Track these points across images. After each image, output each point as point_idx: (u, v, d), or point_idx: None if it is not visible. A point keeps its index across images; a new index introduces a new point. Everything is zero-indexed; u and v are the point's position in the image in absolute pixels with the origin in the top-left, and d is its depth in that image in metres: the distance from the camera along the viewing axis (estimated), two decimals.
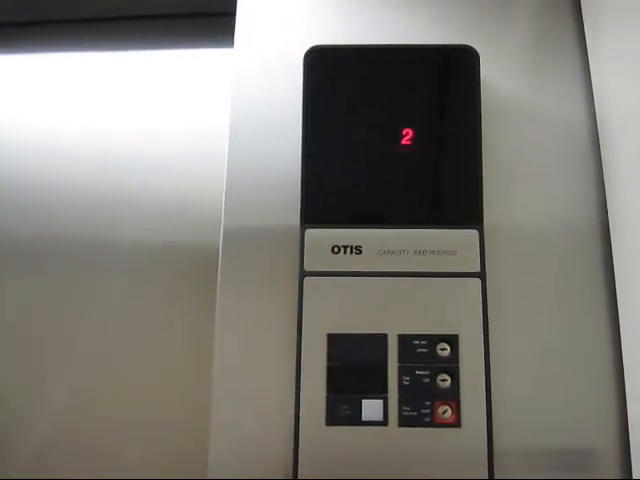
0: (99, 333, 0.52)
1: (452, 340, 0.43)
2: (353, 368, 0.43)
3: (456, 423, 0.42)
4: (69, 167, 0.56)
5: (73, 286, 0.53)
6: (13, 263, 0.54)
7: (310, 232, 0.44)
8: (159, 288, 0.53)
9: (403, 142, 0.45)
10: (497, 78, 0.49)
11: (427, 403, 0.42)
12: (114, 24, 0.59)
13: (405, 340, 0.43)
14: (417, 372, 0.42)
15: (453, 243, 0.44)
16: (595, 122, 0.49)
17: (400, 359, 0.43)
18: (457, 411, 0.42)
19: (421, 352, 0.43)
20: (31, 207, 0.55)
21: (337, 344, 0.43)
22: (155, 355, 0.52)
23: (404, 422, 0.42)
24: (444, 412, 0.42)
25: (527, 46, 0.51)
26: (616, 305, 0.45)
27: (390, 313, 0.43)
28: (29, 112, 0.58)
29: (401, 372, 0.42)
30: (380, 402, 0.42)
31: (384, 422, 0.42)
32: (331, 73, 0.47)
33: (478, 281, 0.44)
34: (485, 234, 0.44)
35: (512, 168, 0.48)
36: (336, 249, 0.44)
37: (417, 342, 0.43)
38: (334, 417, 0.42)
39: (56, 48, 0.60)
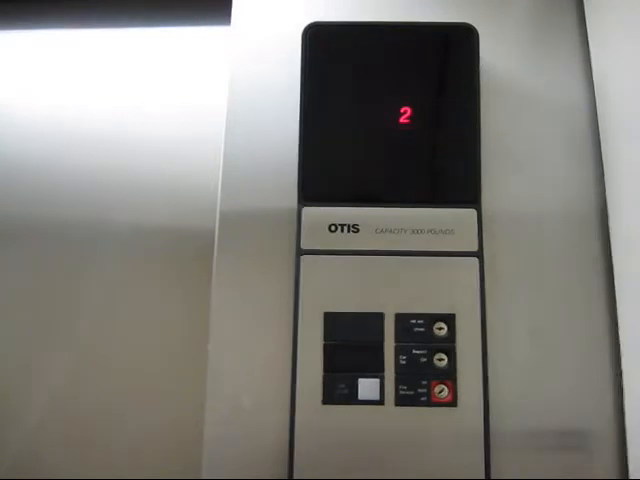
0: (94, 317, 0.52)
1: (449, 319, 0.43)
2: (350, 347, 0.42)
3: (452, 402, 0.42)
4: (62, 148, 0.55)
5: (66, 269, 0.53)
6: (6, 246, 0.54)
7: (307, 210, 0.44)
8: (155, 271, 0.53)
9: (401, 120, 0.45)
10: (496, 59, 0.49)
11: (424, 382, 0.42)
12: (108, 1, 0.58)
13: (402, 319, 0.43)
14: (414, 351, 0.42)
15: (451, 222, 0.44)
16: (595, 105, 0.48)
17: (397, 338, 0.42)
18: (454, 390, 0.42)
19: (418, 331, 0.42)
20: (24, 189, 0.55)
21: (334, 323, 0.43)
22: (152, 340, 0.51)
23: (400, 401, 0.42)
24: (441, 391, 0.42)
25: (527, 27, 0.50)
26: (613, 287, 0.45)
27: (387, 292, 0.43)
28: (19, 92, 0.57)
29: (398, 351, 0.42)
30: (377, 381, 0.42)
31: (380, 401, 0.42)
32: (329, 50, 0.46)
33: (476, 260, 0.43)
34: (483, 214, 0.44)
35: (511, 149, 0.48)
36: (333, 227, 0.44)
37: (414, 321, 0.43)
38: (330, 396, 0.42)
39: (48, 25, 0.59)
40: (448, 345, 0.42)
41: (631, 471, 0.42)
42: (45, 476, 0.49)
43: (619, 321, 0.44)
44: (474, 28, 0.46)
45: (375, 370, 0.42)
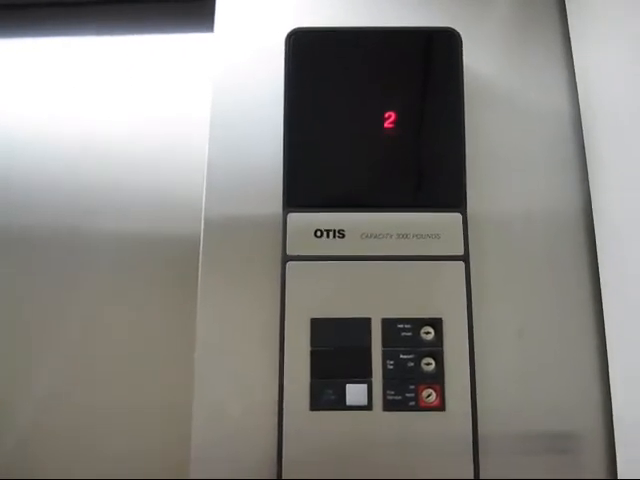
0: (81, 324, 0.51)
1: (436, 324, 0.43)
2: (337, 353, 0.42)
3: (440, 407, 0.42)
4: (49, 155, 0.55)
5: (55, 275, 0.52)
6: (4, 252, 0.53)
7: (292, 216, 0.44)
8: (141, 277, 0.52)
9: (386, 125, 0.45)
10: (479, 63, 0.49)
11: (411, 387, 0.42)
12: (91, 8, 0.57)
13: (389, 324, 0.43)
14: (401, 356, 0.42)
15: (436, 226, 0.44)
16: (579, 108, 0.49)
17: (384, 343, 0.42)
18: (441, 395, 0.42)
19: (405, 336, 0.42)
20: (11, 196, 0.54)
21: (320, 329, 0.43)
22: (137, 343, 0.51)
23: (388, 406, 0.42)
24: (428, 396, 0.42)
25: (509, 30, 0.51)
26: (599, 289, 0.45)
27: (374, 297, 0.43)
28: (5, 99, 0.57)
29: (385, 356, 0.42)
30: (364, 386, 0.42)
31: (368, 406, 0.42)
32: (313, 56, 0.46)
33: (462, 264, 0.43)
34: (469, 218, 0.44)
35: (495, 153, 0.48)
36: (319, 233, 0.44)
37: (401, 326, 0.43)
38: (318, 402, 0.42)
39: (28, 34, 0.58)
40: (435, 349, 0.42)
41: (620, 473, 0.42)
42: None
43: (605, 323, 0.44)
44: (457, 32, 0.46)
45: (363, 375, 0.42)
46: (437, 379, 0.42)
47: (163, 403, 0.49)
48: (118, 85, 0.56)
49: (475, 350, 0.43)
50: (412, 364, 0.42)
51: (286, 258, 0.43)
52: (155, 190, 0.54)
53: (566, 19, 0.50)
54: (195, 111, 0.53)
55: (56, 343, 0.51)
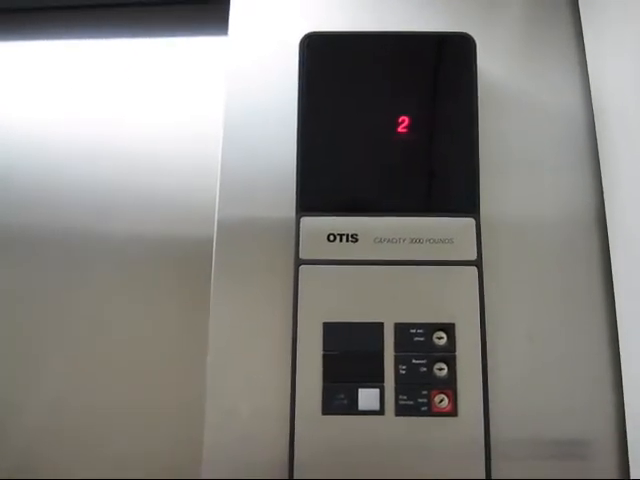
0: (89, 326, 0.51)
1: (449, 329, 0.43)
2: (349, 357, 0.42)
3: (453, 412, 0.42)
4: (61, 157, 0.55)
5: (66, 276, 0.53)
6: (7, 252, 0.54)
7: (306, 220, 0.44)
8: (152, 280, 0.53)
9: (399, 130, 0.45)
10: (491, 64, 0.49)
11: (424, 392, 0.42)
12: (104, 11, 0.58)
13: (401, 329, 0.43)
14: (414, 361, 0.42)
15: (450, 231, 0.44)
16: (592, 110, 0.48)
17: (396, 348, 0.42)
18: (454, 400, 0.42)
19: (418, 341, 0.42)
20: (24, 198, 0.54)
21: (333, 333, 0.43)
22: (147, 346, 0.51)
23: (401, 411, 0.42)
24: (441, 401, 0.42)
25: (522, 32, 0.51)
26: (613, 294, 0.45)
27: (386, 302, 0.43)
28: (16, 102, 0.57)
29: (397, 361, 0.42)
30: (376, 391, 0.42)
31: (381, 411, 0.42)
32: (327, 60, 0.46)
33: (475, 269, 0.43)
34: (482, 223, 0.44)
35: (508, 157, 0.48)
36: (332, 237, 0.44)
37: (413, 331, 0.42)
38: (330, 406, 0.42)
39: (42, 36, 0.59)
40: (448, 354, 0.42)
41: (632, 478, 0.42)
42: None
43: (619, 327, 0.44)
44: (471, 37, 0.46)
45: (375, 380, 0.42)
46: (449, 384, 0.42)
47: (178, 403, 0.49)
48: (132, 88, 0.56)
49: (487, 355, 0.42)
50: (425, 369, 0.42)
51: (299, 262, 0.43)
52: (168, 192, 0.54)
53: (579, 20, 0.50)
54: (209, 114, 0.53)
55: (64, 344, 0.51)
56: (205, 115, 0.54)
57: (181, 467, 0.46)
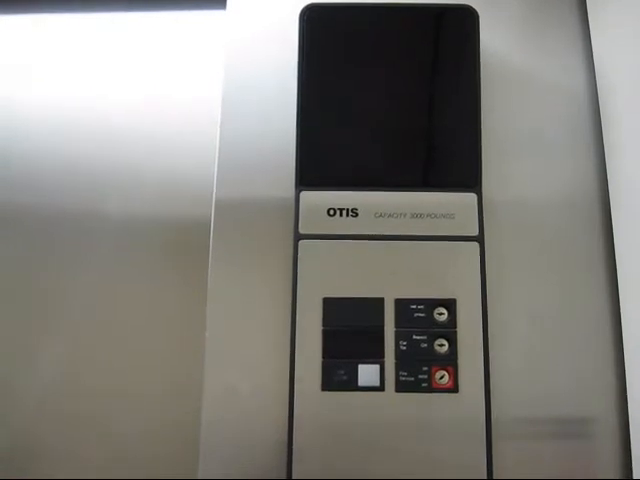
0: (87, 308, 0.51)
1: (450, 305, 0.42)
2: (349, 333, 0.42)
3: (454, 388, 0.41)
4: (57, 136, 0.54)
5: (58, 260, 0.52)
6: (3, 232, 0.53)
7: (305, 194, 0.43)
8: (149, 260, 0.52)
9: (401, 103, 0.44)
10: (496, 42, 0.49)
11: (424, 368, 0.41)
12: None
13: (402, 304, 0.42)
14: (414, 337, 0.42)
15: (451, 206, 0.43)
16: (596, 88, 0.48)
17: (397, 324, 0.42)
18: (455, 376, 0.41)
19: (418, 317, 0.42)
20: (20, 177, 0.54)
21: (333, 308, 0.42)
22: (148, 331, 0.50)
23: (401, 387, 0.41)
24: (441, 377, 0.41)
25: (526, 9, 0.50)
26: (615, 272, 0.44)
27: (387, 277, 0.43)
28: (14, 80, 0.56)
29: (398, 337, 0.42)
30: (377, 367, 0.41)
31: (381, 387, 0.41)
32: (327, 32, 0.45)
33: (476, 245, 0.43)
34: (484, 199, 0.44)
35: (511, 133, 0.47)
36: (332, 212, 0.43)
37: (414, 306, 0.42)
38: (330, 382, 0.41)
39: (35, 9, 0.57)
40: (449, 330, 0.42)
41: (634, 457, 0.41)
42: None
43: (621, 307, 0.44)
44: (474, 10, 0.45)
45: (375, 356, 0.41)
46: (450, 361, 0.41)
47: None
48: (130, 64, 0.55)
49: (489, 332, 0.42)
50: (425, 345, 0.42)
51: (298, 236, 0.43)
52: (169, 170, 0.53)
53: None
54: (208, 90, 0.52)
55: (59, 332, 0.50)
56: (204, 92, 0.53)
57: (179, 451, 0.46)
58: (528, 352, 0.44)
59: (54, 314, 0.51)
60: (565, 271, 0.45)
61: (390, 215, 0.43)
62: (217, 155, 0.47)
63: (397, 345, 0.42)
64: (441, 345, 0.42)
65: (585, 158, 0.47)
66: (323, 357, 0.41)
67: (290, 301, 0.42)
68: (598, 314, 0.44)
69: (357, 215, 0.43)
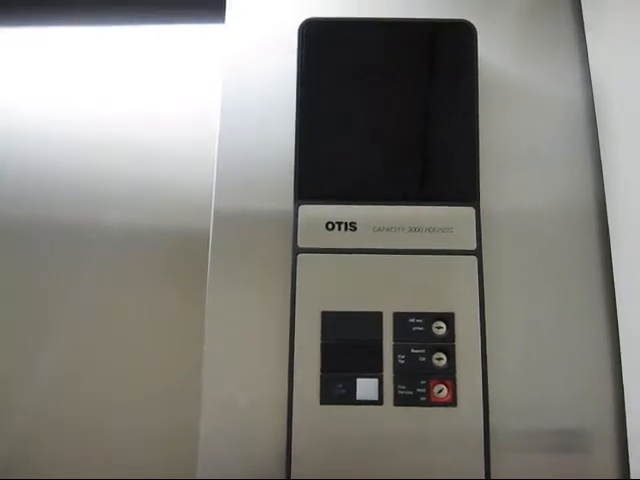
0: (87, 319, 0.51)
1: (448, 318, 0.42)
2: (348, 346, 0.42)
3: (452, 402, 0.41)
4: (57, 148, 0.54)
5: (58, 270, 0.52)
6: (6, 243, 0.53)
7: (304, 208, 0.44)
8: (150, 272, 0.52)
9: (399, 117, 0.44)
10: (491, 53, 0.49)
11: (423, 382, 0.41)
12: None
13: (400, 318, 0.42)
14: (412, 351, 0.42)
15: (449, 220, 0.43)
16: (593, 100, 0.48)
17: (395, 337, 0.42)
18: (453, 390, 0.41)
19: (416, 330, 0.42)
20: (21, 189, 0.54)
21: (331, 322, 0.42)
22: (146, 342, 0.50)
23: (399, 401, 0.41)
24: (440, 391, 0.41)
25: (523, 23, 0.50)
26: (613, 285, 0.45)
27: (385, 291, 0.43)
28: (11, 91, 0.56)
29: (396, 350, 0.42)
30: (375, 381, 0.41)
31: (379, 401, 0.41)
32: (326, 46, 0.46)
33: (474, 259, 0.43)
34: (482, 213, 0.44)
35: (509, 147, 0.47)
36: (330, 225, 0.43)
37: (412, 320, 0.42)
38: (328, 396, 0.41)
39: (36, 23, 0.58)
40: (447, 344, 0.42)
41: (632, 470, 0.41)
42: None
43: (619, 319, 0.44)
44: (472, 25, 0.45)
45: (373, 370, 0.42)
46: (449, 374, 0.41)
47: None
48: (129, 76, 0.55)
49: (487, 345, 0.42)
50: (423, 359, 0.42)
51: (297, 250, 0.43)
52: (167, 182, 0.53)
53: (580, 9, 0.50)
54: (207, 103, 0.53)
55: (60, 334, 0.50)
56: (203, 104, 0.53)
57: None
58: (527, 365, 0.44)
59: (53, 315, 0.51)
60: (563, 282, 0.45)
61: (388, 229, 0.43)
62: (215, 168, 0.47)
63: (395, 359, 0.42)
64: (439, 359, 0.42)
65: (582, 169, 0.47)
66: (321, 371, 0.41)
67: (288, 314, 0.42)
68: (596, 326, 0.44)
69: (355, 229, 0.43)
